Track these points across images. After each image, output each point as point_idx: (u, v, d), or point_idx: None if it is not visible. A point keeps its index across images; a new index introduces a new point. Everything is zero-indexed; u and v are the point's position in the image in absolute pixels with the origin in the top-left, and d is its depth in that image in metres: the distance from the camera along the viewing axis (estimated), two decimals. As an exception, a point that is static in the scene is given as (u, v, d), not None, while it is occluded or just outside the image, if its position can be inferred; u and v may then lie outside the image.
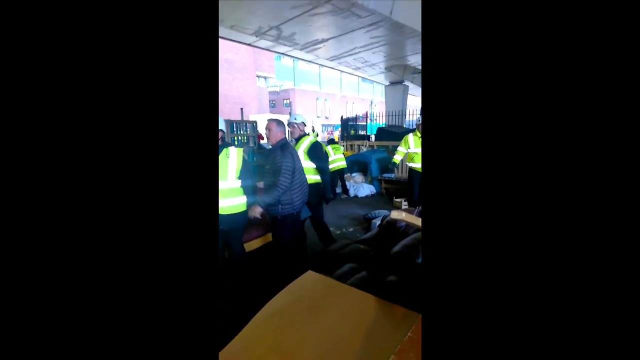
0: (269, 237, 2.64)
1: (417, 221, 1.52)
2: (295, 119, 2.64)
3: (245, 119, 7.07)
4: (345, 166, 5.47)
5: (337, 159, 5.29)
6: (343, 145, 7.42)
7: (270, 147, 2.18)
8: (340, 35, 6.15)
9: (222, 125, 2.06)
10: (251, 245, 2.57)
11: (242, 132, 6.63)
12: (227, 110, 13.23)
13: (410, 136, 3.65)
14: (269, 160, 2.13)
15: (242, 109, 8.03)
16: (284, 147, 2.08)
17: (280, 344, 1.02)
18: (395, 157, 3.83)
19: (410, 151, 3.64)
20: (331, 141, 5.88)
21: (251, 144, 6.93)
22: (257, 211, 2.05)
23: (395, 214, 1.51)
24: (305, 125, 2.70)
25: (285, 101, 22.25)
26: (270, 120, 2.16)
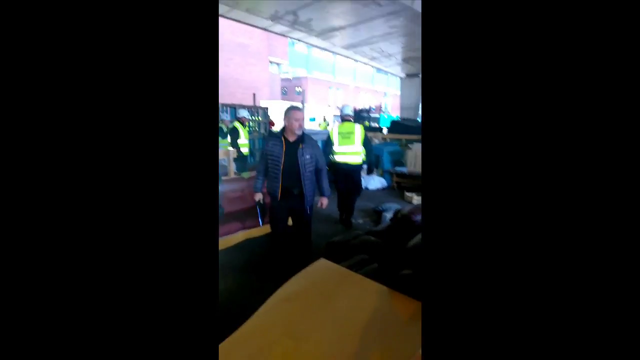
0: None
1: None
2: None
3: (256, 104, 7.05)
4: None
5: None
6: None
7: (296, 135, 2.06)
8: (358, 23, 6.00)
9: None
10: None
11: (254, 117, 6.63)
12: (238, 95, 13.13)
13: None
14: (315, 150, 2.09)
15: (254, 94, 7.99)
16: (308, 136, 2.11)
17: (294, 329, 1.02)
18: None
19: None
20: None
21: (262, 131, 6.91)
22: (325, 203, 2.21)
23: None
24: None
25: (297, 89, 22.08)
26: (299, 110, 2.09)
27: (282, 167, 2.01)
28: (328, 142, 3.29)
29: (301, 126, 2.03)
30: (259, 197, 2.21)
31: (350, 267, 1.52)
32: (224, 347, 0.93)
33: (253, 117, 6.54)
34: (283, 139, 2.04)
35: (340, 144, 3.20)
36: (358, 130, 3.21)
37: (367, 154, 3.39)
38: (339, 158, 3.24)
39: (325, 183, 2.19)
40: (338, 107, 4.29)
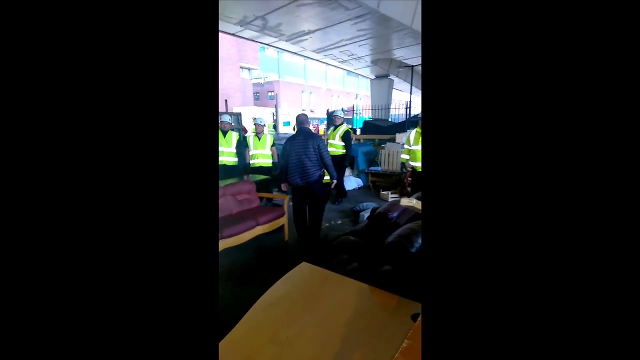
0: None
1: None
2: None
3: (229, 111, 6.93)
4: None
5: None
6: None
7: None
8: (326, 27, 6.09)
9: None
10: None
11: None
12: (210, 102, 12.85)
13: (413, 132, 3.42)
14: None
15: (226, 100, 7.86)
16: None
17: (279, 335, 1.02)
18: (402, 156, 3.64)
19: (410, 148, 3.39)
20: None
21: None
22: None
23: (405, 201, 1.51)
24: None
25: (269, 93, 21.91)
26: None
27: None
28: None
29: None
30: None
31: (331, 268, 1.54)
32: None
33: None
34: None
35: None
36: None
37: None
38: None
39: None
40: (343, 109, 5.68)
